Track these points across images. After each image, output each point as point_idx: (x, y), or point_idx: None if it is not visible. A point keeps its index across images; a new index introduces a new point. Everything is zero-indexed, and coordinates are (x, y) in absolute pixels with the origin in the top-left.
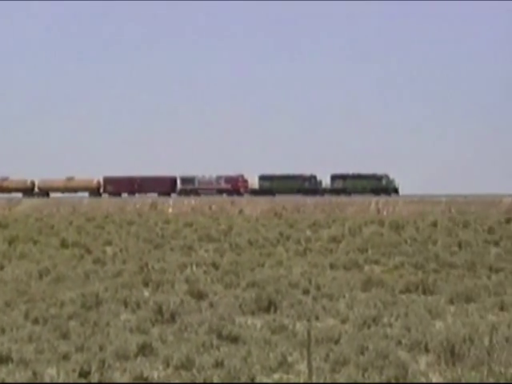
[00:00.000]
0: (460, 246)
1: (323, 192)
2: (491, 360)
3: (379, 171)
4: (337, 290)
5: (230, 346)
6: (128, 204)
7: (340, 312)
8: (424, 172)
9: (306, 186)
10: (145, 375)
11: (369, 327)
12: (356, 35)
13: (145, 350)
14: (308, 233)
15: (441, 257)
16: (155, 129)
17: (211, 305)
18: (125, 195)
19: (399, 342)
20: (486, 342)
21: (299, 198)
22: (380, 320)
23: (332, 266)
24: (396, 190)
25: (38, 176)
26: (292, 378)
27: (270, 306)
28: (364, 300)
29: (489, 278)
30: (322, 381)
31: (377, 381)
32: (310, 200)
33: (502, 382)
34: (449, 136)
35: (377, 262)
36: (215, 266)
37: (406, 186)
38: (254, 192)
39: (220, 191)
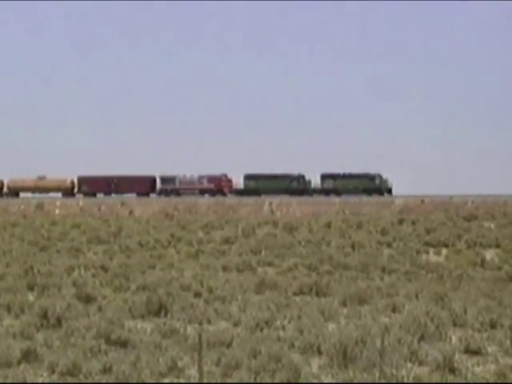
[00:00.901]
0: (353, 247)
1: (312, 192)
2: (383, 362)
3: (366, 171)
4: (229, 293)
5: (118, 350)
6: (11, 205)
7: (232, 315)
8: (416, 172)
9: (293, 186)
10: (28, 382)
11: (261, 330)
12: (351, 33)
13: (29, 356)
14: (200, 234)
15: (334, 258)
16: (134, 127)
17: (100, 309)
18: (100, 195)
19: (292, 345)
20: (378, 343)
21: (193, 199)
22: (273, 323)
23: (225, 268)
24: (390, 190)
25: (7, 175)
26: (182, 382)
27: (160, 310)
28: (257, 302)
29: (382, 279)
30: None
31: None
32: (202, 200)
33: (393, 383)
34: (442, 136)
35: (270, 264)
36: (104, 268)
37: (398, 186)
38: (239, 192)
39: (202, 191)
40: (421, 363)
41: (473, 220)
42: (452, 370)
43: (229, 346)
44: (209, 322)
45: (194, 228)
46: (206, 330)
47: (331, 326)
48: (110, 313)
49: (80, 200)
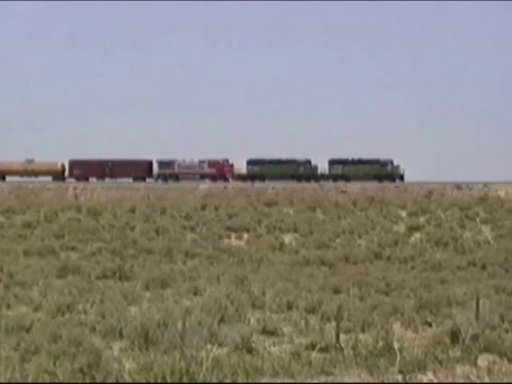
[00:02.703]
0: (157, 231)
1: (320, 178)
2: (184, 344)
3: (372, 157)
4: (30, 278)
5: None
6: None
7: (33, 300)
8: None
9: (301, 171)
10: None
11: (63, 315)
12: (357, 18)
13: None
14: (1, 219)
15: (138, 243)
16: (131, 109)
17: None
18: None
19: (94, 329)
20: (180, 326)
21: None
22: (75, 307)
23: (26, 253)
24: (402, 177)
25: None
26: None
27: None
28: (59, 287)
29: (184, 263)
30: (10, 370)
31: (69, 368)
32: (4, 185)
33: (193, 364)
34: (450, 123)
35: (73, 249)
36: None
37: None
38: (242, 177)
39: (203, 176)
40: (220, 344)
41: (273, 206)
42: (249, 351)
43: (28, 330)
44: (8, 307)
45: None
46: (4, 316)
47: (134, 309)
48: None
49: None
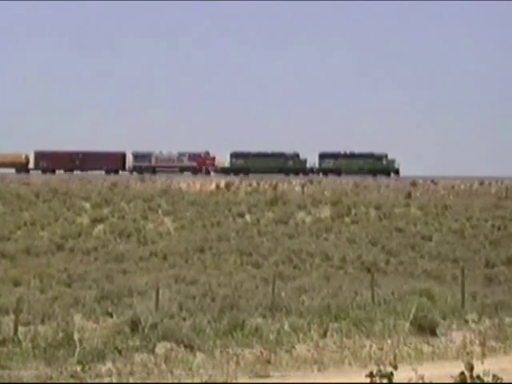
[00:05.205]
0: None
1: (310, 172)
2: None
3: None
4: None
5: None
6: None
7: None
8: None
9: (289, 165)
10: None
11: None
12: (353, 17)
13: None
14: None
15: None
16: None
17: None
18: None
19: None
20: None
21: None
22: None
23: None
24: (397, 171)
25: None
26: None
27: None
28: None
29: None
30: None
31: None
32: None
33: None
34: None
35: None
36: None
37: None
38: (225, 171)
39: (183, 169)
40: None
41: None
42: None
43: None
44: None
45: None
46: None
47: None
48: None
49: None
